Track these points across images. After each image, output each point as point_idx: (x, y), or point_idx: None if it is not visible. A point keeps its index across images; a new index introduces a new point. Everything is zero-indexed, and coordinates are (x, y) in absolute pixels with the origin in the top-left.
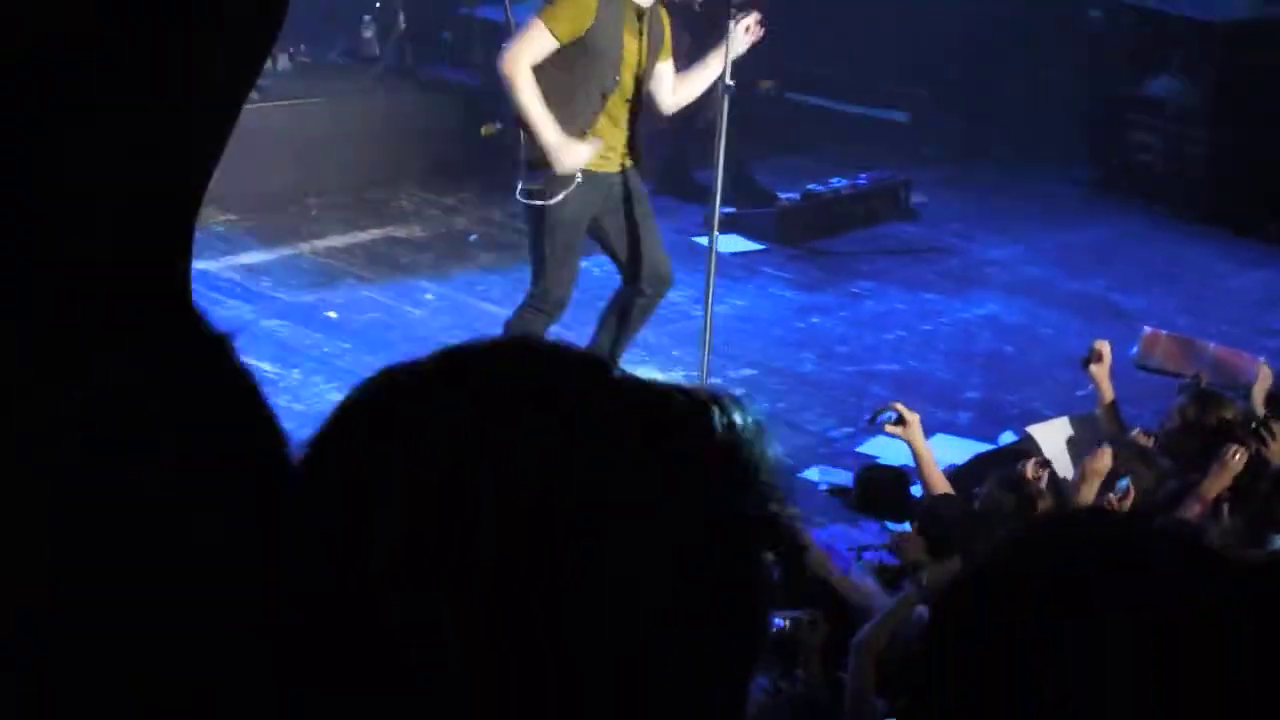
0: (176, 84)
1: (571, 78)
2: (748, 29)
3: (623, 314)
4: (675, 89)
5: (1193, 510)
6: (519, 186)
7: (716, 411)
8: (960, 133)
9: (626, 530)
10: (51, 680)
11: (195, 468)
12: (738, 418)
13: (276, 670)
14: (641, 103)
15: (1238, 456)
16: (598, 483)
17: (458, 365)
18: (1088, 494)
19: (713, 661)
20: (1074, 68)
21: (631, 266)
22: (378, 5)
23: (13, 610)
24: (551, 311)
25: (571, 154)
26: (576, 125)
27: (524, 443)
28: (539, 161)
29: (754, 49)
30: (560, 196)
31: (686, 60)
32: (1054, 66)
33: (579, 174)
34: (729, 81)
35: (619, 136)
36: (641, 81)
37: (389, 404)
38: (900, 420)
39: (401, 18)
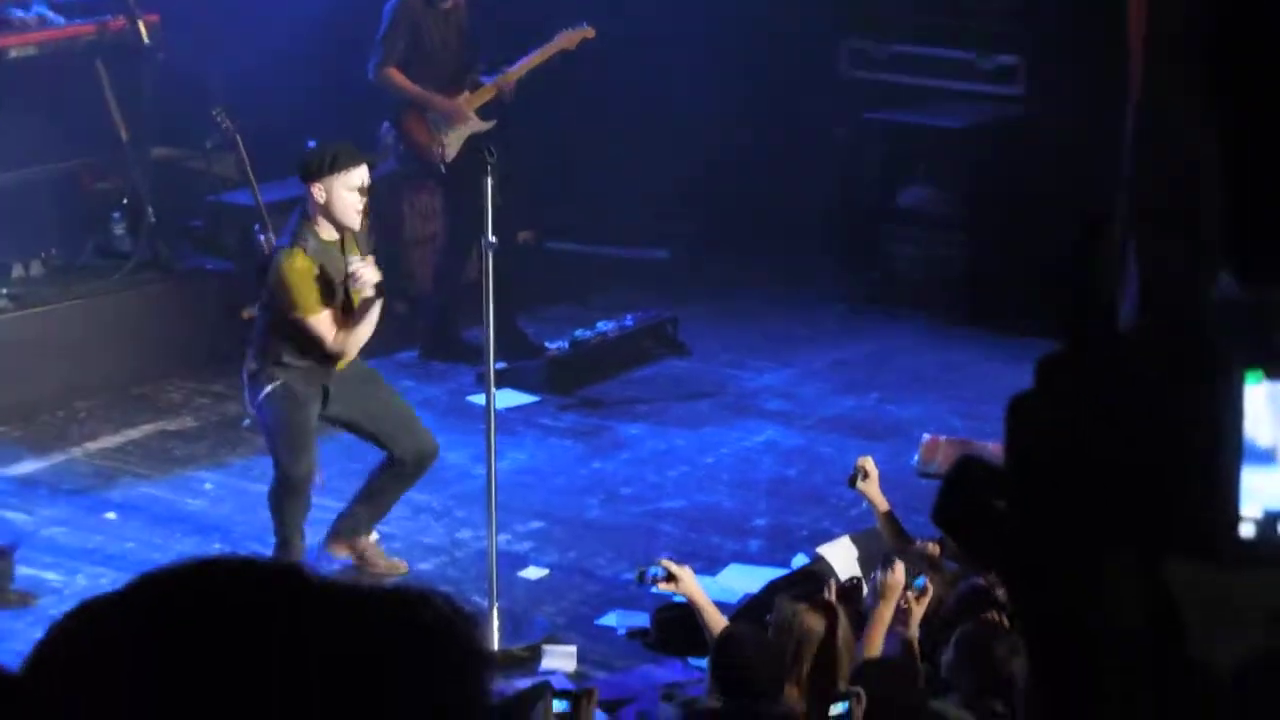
0: None
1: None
2: None
3: (381, 488)
4: None
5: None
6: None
7: (424, 608)
8: (721, 262)
9: None
10: None
11: None
12: (447, 612)
13: None
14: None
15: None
16: (299, 693)
17: (153, 593)
18: (886, 611)
19: None
20: (826, 186)
21: (389, 445)
22: (125, 201)
23: None
24: (298, 488)
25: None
26: (316, 352)
27: (221, 665)
28: (253, 374)
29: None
30: (274, 384)
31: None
32: (806, 187)
33: (289, 371)
34: (490, 238)
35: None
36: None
37: (85, 642)
38: (670, 577)
39: (150, 211)
